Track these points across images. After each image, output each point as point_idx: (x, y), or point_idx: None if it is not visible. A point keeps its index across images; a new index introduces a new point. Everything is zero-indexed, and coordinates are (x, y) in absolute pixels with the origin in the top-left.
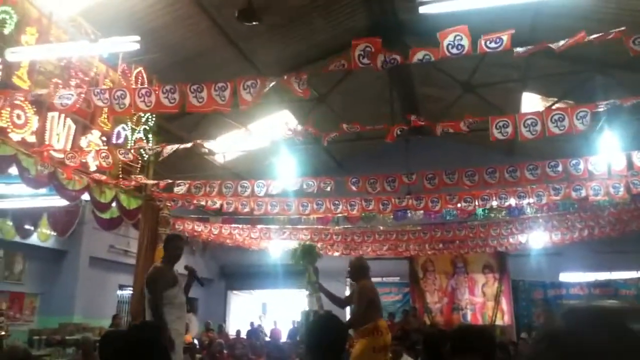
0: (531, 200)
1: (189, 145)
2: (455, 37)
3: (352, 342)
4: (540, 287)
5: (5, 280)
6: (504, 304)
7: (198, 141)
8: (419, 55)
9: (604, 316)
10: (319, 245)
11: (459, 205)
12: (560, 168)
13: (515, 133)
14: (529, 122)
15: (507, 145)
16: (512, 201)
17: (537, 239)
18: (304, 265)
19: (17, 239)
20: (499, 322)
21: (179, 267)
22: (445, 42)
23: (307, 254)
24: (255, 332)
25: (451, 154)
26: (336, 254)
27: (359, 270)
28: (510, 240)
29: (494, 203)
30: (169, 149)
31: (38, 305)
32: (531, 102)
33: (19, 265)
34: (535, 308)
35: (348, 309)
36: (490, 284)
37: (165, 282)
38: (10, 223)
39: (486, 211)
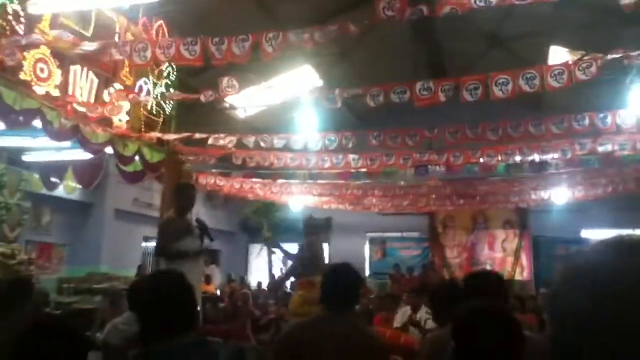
0: (555, 156)
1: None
2: None
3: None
4: (562, 243)
5: (34, 231)
6: (524, 259)
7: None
8: (446, 9)
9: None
10: (339, 200)
11: (481, 160)
12: (587, 121)
13: (542, 87)
14: (556, 72)
15: (533, 99)
16: (536, 156)
17: (559, 195)
18: (263, 223)
19: (44, 191)
20: (518, 277)
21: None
22: None
23: (265, 212)
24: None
25: (475, 108)
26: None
27: (307, 228)
28: (533, 196)
29: (517, 158)
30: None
31: (66, 256)
32: (559, 56)
33: (46, 216)
34: (555, 264)
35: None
36: (510, 239)
37: (177, 231)
38: (36, 176)
39: (508, 166)
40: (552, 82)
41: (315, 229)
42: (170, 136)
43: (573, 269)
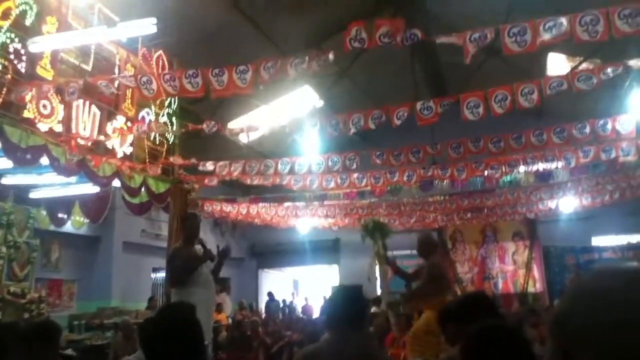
0: (560, 164)
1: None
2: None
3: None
4: (572, 252)
5: (43, 268)
6: (536, 271)
7: (233, 128)
8: (442, 40)
9: None
10: (346, 220)
11: (485, 172)
12: (587, 130)
13: (540, 99)
14: (554, 84)
15: (535, 108)
16: (540, 166)
17: (567, 204)
18: (375, 240)
19: (52, 227)
20: (531, 289)
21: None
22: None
23: (379, 229)
24: (273, 304)
25: (477, 120)
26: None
27: (427, 247)
28: (540, 206)
29: (522, 168)
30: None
31: (76, 291)
32: (557, 63)
33: (55, 253)
34: (568, 274)
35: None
36: (520, 251)
37: (185, 260)
38: (44, 212)
39: (514, 177)
40: (550, 92)
41: (435, 246)
42: (178, 162)
43: (586, 292)
